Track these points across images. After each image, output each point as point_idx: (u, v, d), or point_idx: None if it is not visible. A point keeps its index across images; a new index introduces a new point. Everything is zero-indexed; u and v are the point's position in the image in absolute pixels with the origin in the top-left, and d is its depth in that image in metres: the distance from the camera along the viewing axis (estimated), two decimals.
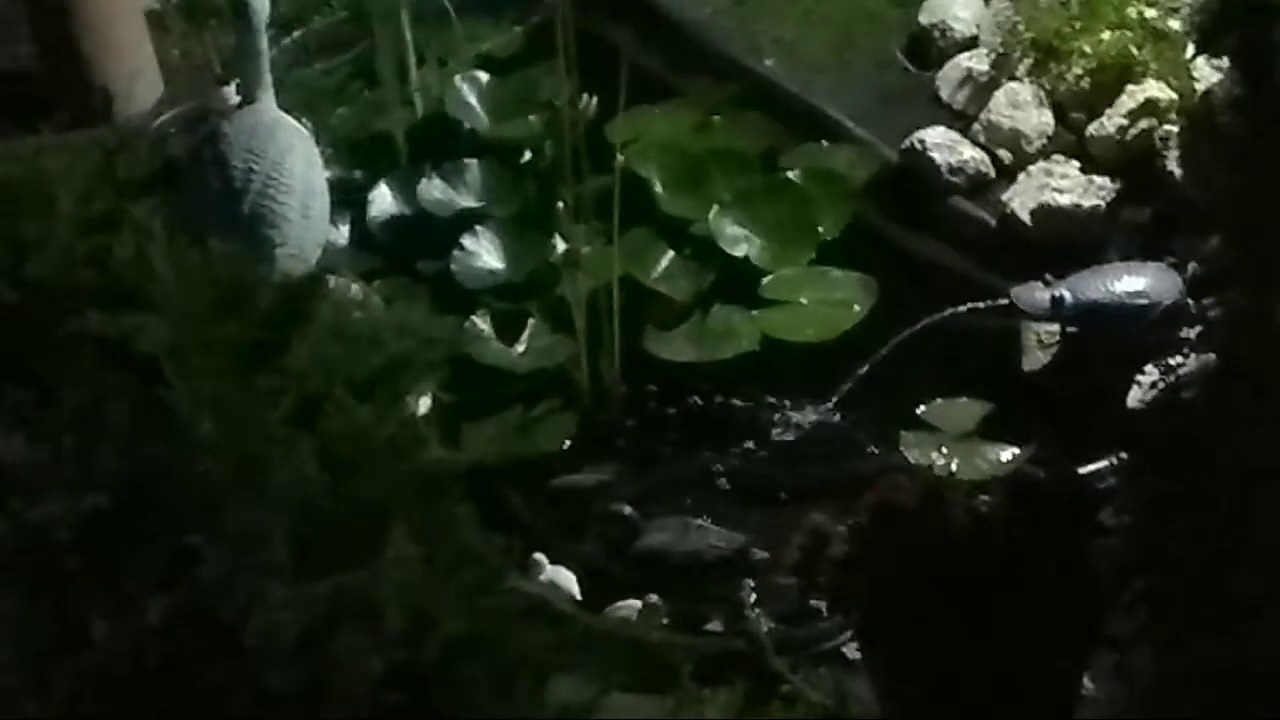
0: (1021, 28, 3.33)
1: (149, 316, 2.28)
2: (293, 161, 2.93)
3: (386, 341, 2.38)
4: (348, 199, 3.41)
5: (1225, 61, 2.97)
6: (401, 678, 2.08)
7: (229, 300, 2.33)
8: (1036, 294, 2.94)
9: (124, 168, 3.10)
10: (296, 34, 3.62)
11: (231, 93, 3.14)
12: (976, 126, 3.32)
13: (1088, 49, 3.25)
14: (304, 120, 3.16)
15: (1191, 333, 2.82)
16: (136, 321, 2.28)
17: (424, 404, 2.70)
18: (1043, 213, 3.13)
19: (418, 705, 2.08)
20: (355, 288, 3.11)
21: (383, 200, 3.46)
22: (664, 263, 3.33)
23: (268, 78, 3.00)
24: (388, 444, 2.23)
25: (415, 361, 2.40)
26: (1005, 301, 2.97)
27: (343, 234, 3.40)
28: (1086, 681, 2.31)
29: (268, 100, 3.00)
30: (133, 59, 3.50)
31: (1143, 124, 3.13)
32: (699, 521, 2.85)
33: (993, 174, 3.26)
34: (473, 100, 3.62)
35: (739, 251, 3.32)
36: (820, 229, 3.34)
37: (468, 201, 3.45)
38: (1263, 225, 2.77)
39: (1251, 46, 2.76)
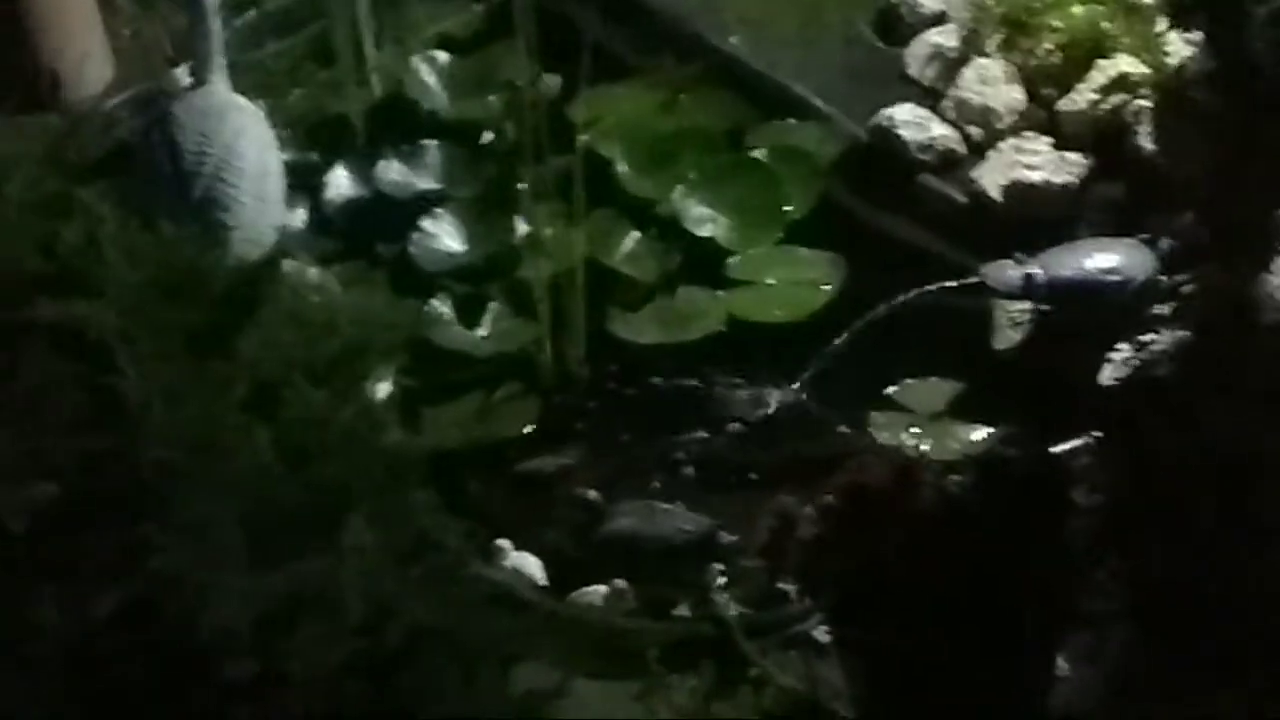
0: (991, 2, 3.32)
1: (99, 303, 2.27)
2: (246, 144, 2.92)
3: (343, 326, 2.38)
4: (304, 182, 3.38)
5: (1198, 35, 2.97)
6: (362, 668, 2.08)
7: (181, 286, 2.33)
8: (1008, 272, 2.94)
9: (74, 152, 3.09)
10: (250, 14, 3.60)
11: (183, 74, 3.12)
12: (946, 103, 3.31)
13: (1058, 23, 3.24)
14: (258, 102, 3.14)
15: (1166, 309, 2.81)
16: (87, 308, 2.28)
17: (383, 389, 2.70)
18: (1014, 190, 3.13)
19: (379, 696, 2.08)
20: (312, 272, 3.10)
21: (339, 183, 3.44)
22: (628, 244, 3.31)
23: (220, 58, 2.98)
24: (345, 430, 2.23)
25: (373, 346, 2.40)
26: (976, 280, 2.97)
27: (299, 218, 3.37)
28: (1061, 663, 2.31)
29: (220, 81, 2.98)
30: (82, 40, 3.47)
31: (1115, 99, 3.13)
32: (666, 505, 2.85)
33: (963, 151, 3.26)
34: (431, 80, 3.60)
35: (705, 231, 3.32)
36: (788, 208, 3.33)
37: (427, 183, 3.43)
38: (1236, 200, 2.78)
39: (1224, 19, 2.77)
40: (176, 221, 2.50)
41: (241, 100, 3.01)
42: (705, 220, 3.32)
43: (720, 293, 3.24)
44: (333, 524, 2.14)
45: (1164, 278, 2.88)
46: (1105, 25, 3.19)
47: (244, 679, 2.02)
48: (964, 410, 2.99)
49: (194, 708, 2.03)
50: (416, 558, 2.17)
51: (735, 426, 3.03)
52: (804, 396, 3.04)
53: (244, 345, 2.28)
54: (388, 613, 2.08)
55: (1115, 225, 3.03)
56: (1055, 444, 2.69)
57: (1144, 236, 2.95)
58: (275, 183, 2.97)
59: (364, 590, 2.07)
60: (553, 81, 3.20)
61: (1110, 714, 2.32)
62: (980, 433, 2.94)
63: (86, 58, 3.44)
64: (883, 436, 2.96)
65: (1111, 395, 2.70)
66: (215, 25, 2.95)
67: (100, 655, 2.04)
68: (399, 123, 3.54)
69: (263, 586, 2.06)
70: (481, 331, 3.21)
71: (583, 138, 3.27)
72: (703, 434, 3.02)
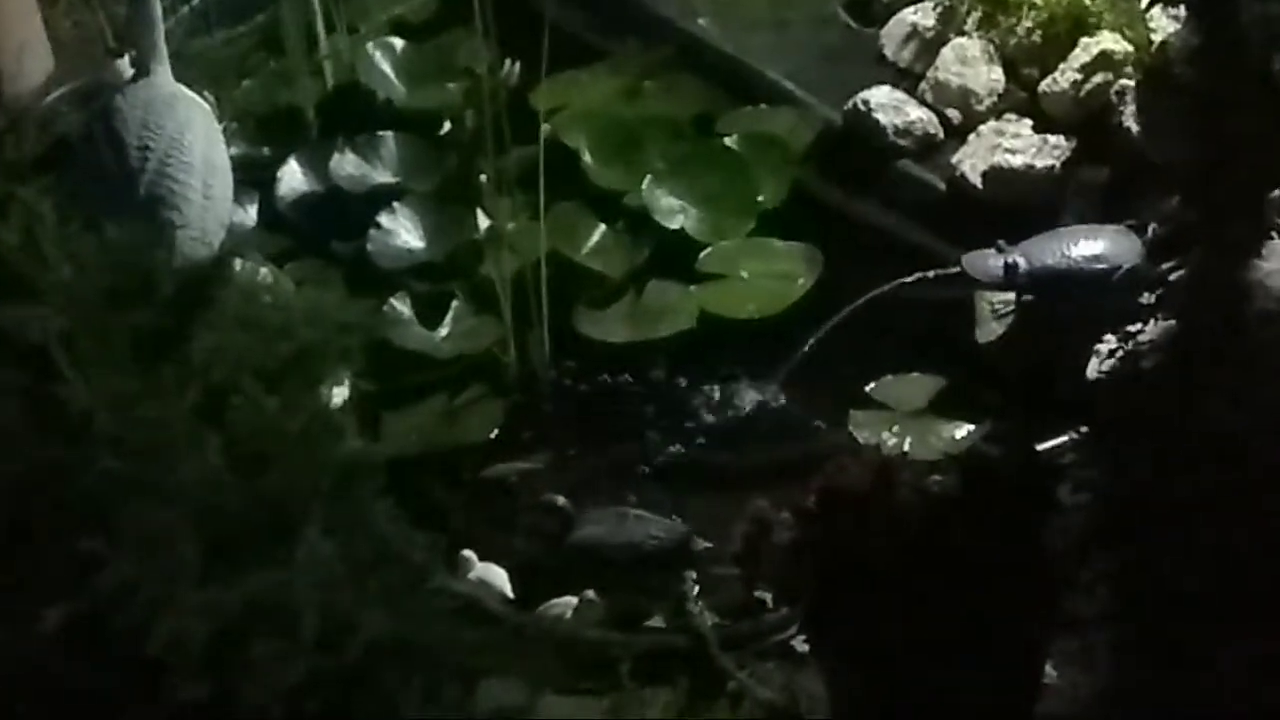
0: None
1: (40, 306, 2.27)
2: (192, 137, 2.91)
3: (297, 328, 2.37)
4: (255, 177, 3.39)
5: (1182, 10, 2.99)
6: (320, 684, 2.08)
7: (126, 287, 2.33)
8: (989, 261, 2.95)
9: (13, 148, 3.09)
10: (195, 2, 3.59)
11: (126, 66, 3.12)
12: (923, 85, 3.33)
13: (1038, 0, 3.26)
14: (205, 94, 3.13)
15: (1152, 298, 2.83)
16: (26, 311, 2.27)
17: (341, 393, 2.70)
18: (995, 175, 3.14)
19: (337, 715, 2.08)
20: (264, 271, 3.10)
21: (292, 177, 3.44)
22: (595, 237, 3.32)
23: (163, 48, 2.97)
24: (300, 436, 2.23)
25: (329, 348, 2.40)
26: (956, 270, 2.98)
27: (250, 214, 3.38)
28: (1048, 668, 2.32)
29: (164, 72, 2.97)
30: (21, 32, 3.46)
31: (1098, 78, 3.14)
32: (636, 511, 2.85)
33: (941, 135, 3.27)
34: (387, 68, 3.61)
35: (674, 223, 3.32)
36: (760, 198, 3.34)
37: (384, 177, 3.44)
38: (1225, 182, 2.79)
39: None
40: (121, 220, 2.50)
41: (187, 92, 3.00)
42: (675, 212, 3.33)
43: (691, 287, 3.25)
44: (288, 535, 2.14)
45: (1151, 265, 2.89)
46: (1087, 1, 3.21)
47: (197, 698, 2.02)
48: (946, 407, 3.00)
49: None
50: (376, 570, 2.17)
51: (708, 428, 3.04)
52: (780, 395, 3.05)
53: (193, 349, 2.28)
54: (346, 627, 2.08)
55: (1100, 211, 3.04)
56: (1040, 441, 2.70)
57: (1130, 222, 2.97)
58: (223, 178, 2.96)
59: (321, 604, 2.07)
60: (514, 68, 3.20)
61: None
62: (963, 430, 2.95)
63: (24, 50, 3.44)
64: (863, 436, 2.97)
65: (1098, 389, 2.71)
66: (157, 13, 2.94)
67: (46, 673, 2.04)
68: (354, 113, 3.55)
69: (215, 601, 2.06)
70: (443, 332, 3.22)
71: (546, 127, 3.28)
72: (675, 436, 3.03)
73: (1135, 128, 3.06)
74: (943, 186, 3.21)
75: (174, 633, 2.02)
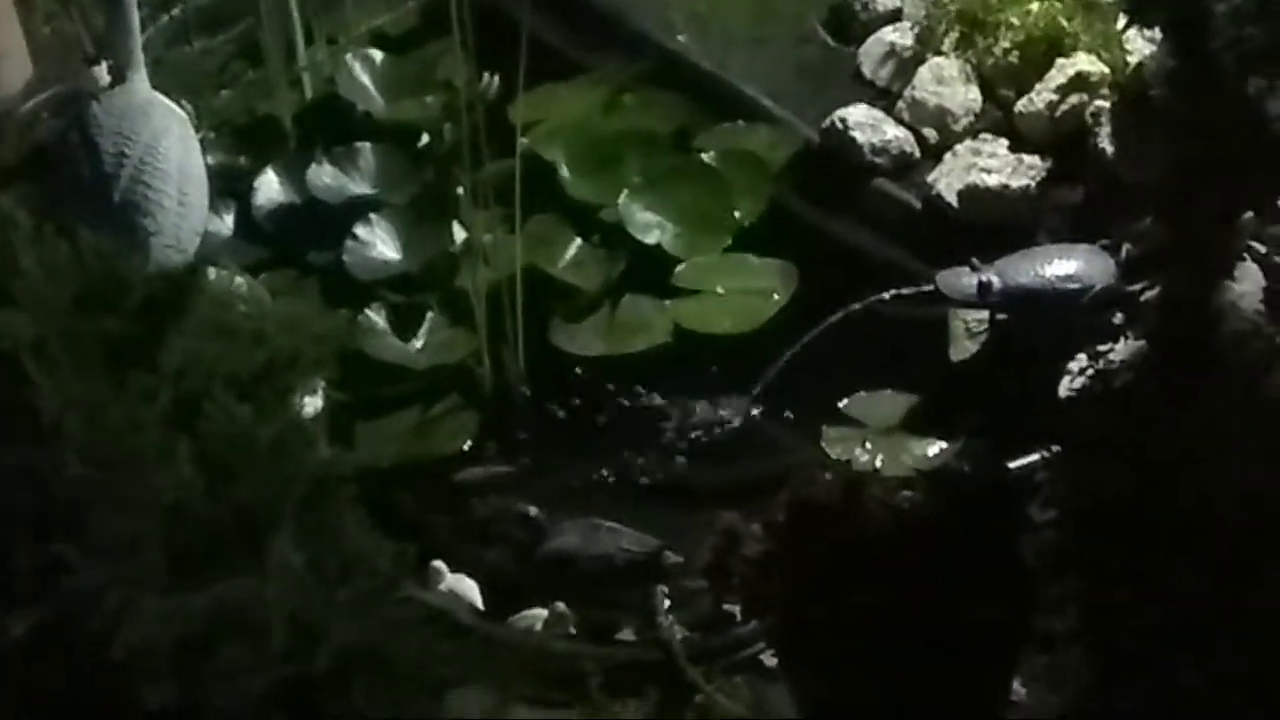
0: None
1: (11, 311, 2.26)
2: (168, 145, 2.90)
3: (271, 337, 2.37)
4: (232, 186, 3.39)
5: (1157, 33, 3.00)
6: (287, 694, 2.07)
7: (99, 293, 2.32)
8: (964, 279, 2.96)
9: None
10: (175, 11, 3.59)
11: (103, 73, 3.11)
12: (900, 104, 3.34)
13: (1015, 21, 3.28)
14: (183, 102, 3.13)
15: (1125, 317, 2.83)
16: None
17: (315, 403, 2.69)
18: (970, 194, 3.15)
19: None
20: (239, 280, 3.09)
21: (269, 188, 3.44)
22: (571, 251, 3.33)
23: (140, 55, 2.96)
24: (271, 445, 2.22)
25: (302, 358, 2.39)
26: (931, 288, 2.99)
27: (227, 224, 3.38)
28: (1017, 685, 2.33)
29: (140, 80, 2.97)
30: None
31: (1073, 99, 3.16)
32: (609, 523, 2.85)
33: (918, 154, 3.28)
34: (365, 80, 3.61)
35: (650, 238, 3.33)
36: (737, 214, 3.35)
37: (361, 188, 3.44)
38: (1198, 204, 2.80)
39: (1184, 16, 2.79)
40: (95, 226, 2.50)
41: (164, 99, 3.00)
42: (651, 226, 3.34)
43: (667, 302, 3.26)
44: (257, 543, 2.13)
45: (1124, 285, 2.90)
46: (1064, 23, 3.23)
47: (163, 706, 2.01)
48: (919, 424, 3.00)
49: None
50: (345, 579, 2.17)
51: (682, 442, 3.04)
52: (754, 411, 3.05)
53: (166, 357, 2.28)
54: (314, 637, 2.08)
55: (1074, 230, 3.05)
56: (1012, 459, 2.70)
57: (1104, 242, 2.98)
58: (199, 186, 2.95)
59: (290, 613, 2.07)
60: (492, 81, 3.21)
61: None
62: (935, 447, 2.96)
63: (3, 57, 3.43)
64: (835, 452, 2.97)
65: (1070, 407, 2.72)
66: (135, 20, 2.93)
67: (11, 680, 2.03)
68: (332, 125, 3.55)
69: (183, 608, 2.05)
70: (418, 343, 3.22)
71: (523, 140, 3.28)
72: (648, 450, 3.03)
73: (1110, 148, 3.07)
74: (918, 205, 3.22)
75: (141, 639, 2.02)
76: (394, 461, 2.96)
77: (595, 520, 2.86)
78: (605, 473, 2.99)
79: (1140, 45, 3.11)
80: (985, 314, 3.00)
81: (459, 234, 3.24)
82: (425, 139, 3.45)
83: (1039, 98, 3.19)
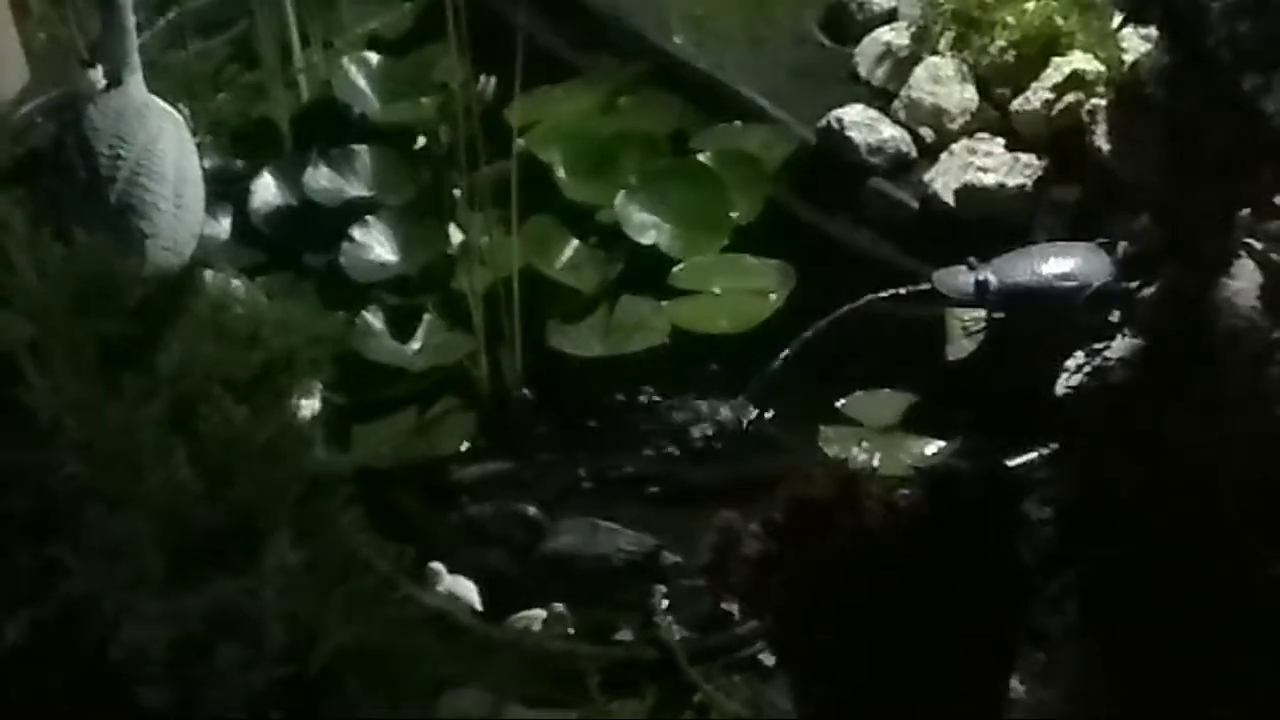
0: None
1: (8, 313, 2.26)
2: (164, 147, 2.91)
3: (267, 339, 2.37)
4: (228, 189, 3.39)
5: (1153, 30, 3.00)
6: (284, 695, 2.07)
7: (95, 295, 2.32)
8: (960, 278, 2.96)
9: None
10: (171, 14, 3.60)
11: (99, 76, 3.12)
12: (897, 104, 3.34)
13: (1011, 20, 3.28)
14: (179, 105, 3.13)
15: (1122, 315, 2.83)
16: None
17: (311, 405, 2.69)
18: (966, 193, 3.15)
19: None
20: (236, 283, 3.09)
21: (266, 190, 3.44)
22: (568, 252, 3.33)
23: (135, 58, 2.97)
24: (267, 447, 2.22)
25: (299, 360, 2.39)
26: (928, 287, 2.99)
27: (223, 227, 3.38)
28: (1015, 683, 2.32)
29: (136, 82, 2.97)
30: None
31: (1069, 98, 3.16)
32: (607, 524, 2.85)
33: (914, 153, 3.29)
34: (361, 82, 3.61)
35: (647, 239, 3.33)
36: (734, 214, 3.35)
37: (357, 190, 3.45)
38: (1194, 202, 2.80)
39: (1181, 14, 2.79)
40: (91, 229, 2.50)
41: (159, 102, 3.00)
42: (648, 227, 3.34)
43: (664, 303, 3.26)
44: (254, 544, 2.13)
45: (1121, 283, 2.90)
46: (1059, 21, 3.23)
47: (160, 707, 2.01)
48: (916, 423, 3.01)
49: None
50: (342, 580, 2.17)
51: (679, 442, 3.04)
52: (751, 410, 3.05)
53: (162, 359, 2.28)
54: (311, 638, 2.08)
55: (1071, 229, 3.06)
56: (1010, 457, 2.70)
57: (1100, 240, 2.98)
58: (195, 188, 2.96)
59: (286, 614, 2.07)
60: (488, 83, 3.21)
61: None
62: (933, 446, 2.96)
63: None
64: (833, 451, 2.98)
65: (1067, 405, 2.72)
66: (130, 23, 2.94)
67: (7, 683, 2.03)
68: (328, 127, 3.56)
69: (180, 610, 2.05)
70: (415, 345, 3.22)
71: (520, 142, 3.28)
72: (646, 449, 3.03)
73: (1106, 147, 3.07)
74: (915, 204, 3.22)
75: (137, 641, 2.02)
76: (392, 463, 2.96)
77: (593, 520, 2.86)
78: (603, 473, 2.99)
79: (1136, 43, 3.11)
80: (982, 312, 3.00)
81: (456, 236, 3.24)
82: (422, 141, 3.46)
83: (1035, 96, 3.19)
